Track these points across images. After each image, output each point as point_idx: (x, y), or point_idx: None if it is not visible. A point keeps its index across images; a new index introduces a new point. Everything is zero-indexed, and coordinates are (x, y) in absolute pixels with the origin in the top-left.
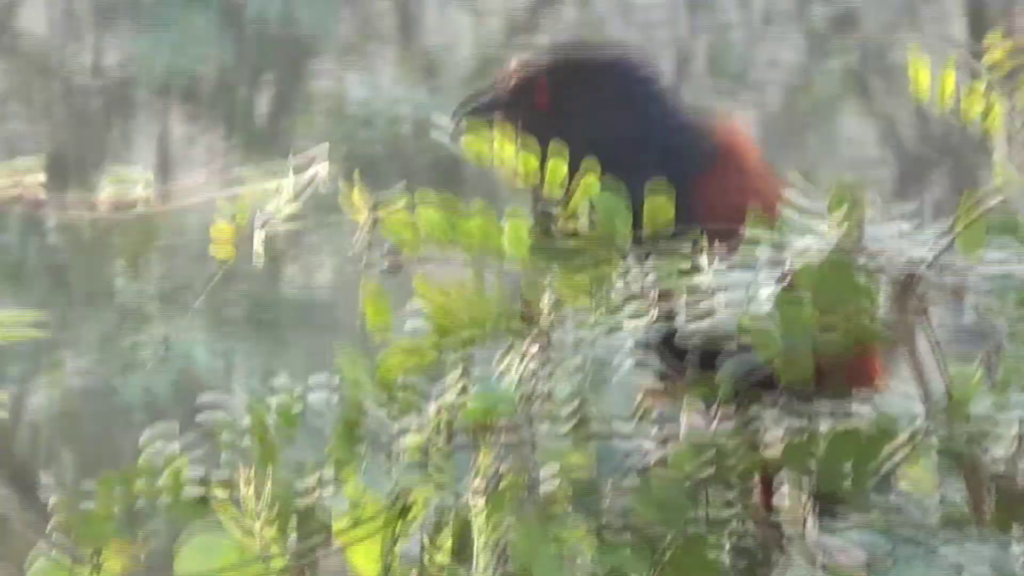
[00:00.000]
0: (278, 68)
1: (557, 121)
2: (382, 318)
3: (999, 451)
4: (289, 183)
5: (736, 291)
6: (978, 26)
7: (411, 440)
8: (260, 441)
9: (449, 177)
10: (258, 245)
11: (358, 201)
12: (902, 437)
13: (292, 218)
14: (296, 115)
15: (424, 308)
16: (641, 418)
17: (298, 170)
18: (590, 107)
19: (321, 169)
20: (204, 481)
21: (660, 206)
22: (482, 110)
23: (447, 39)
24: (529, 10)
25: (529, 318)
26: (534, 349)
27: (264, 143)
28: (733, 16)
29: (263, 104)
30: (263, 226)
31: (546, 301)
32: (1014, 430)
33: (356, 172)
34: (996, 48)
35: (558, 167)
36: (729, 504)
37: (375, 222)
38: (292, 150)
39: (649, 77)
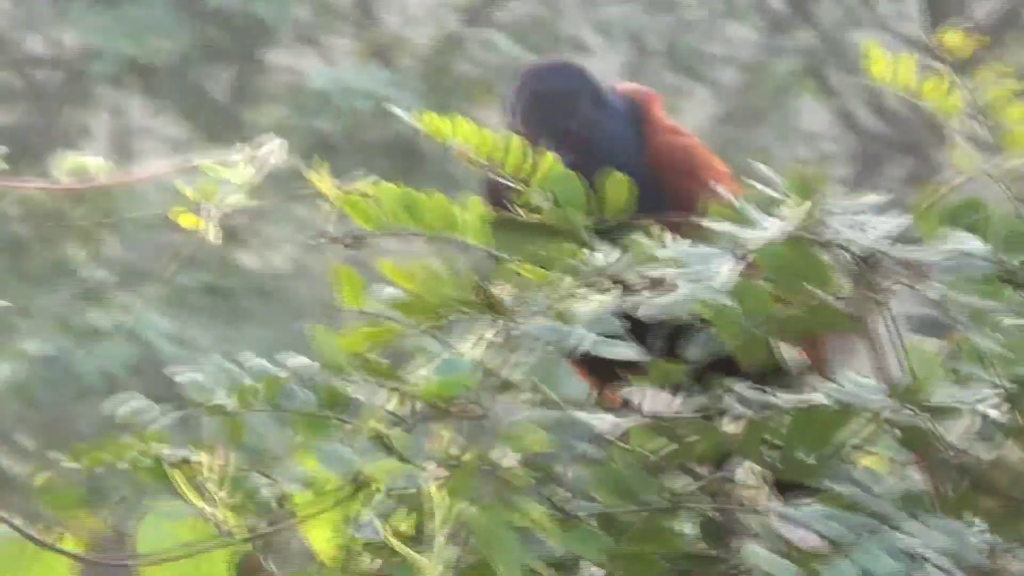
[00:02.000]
0: (235, 53)
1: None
2: (356, 297)
3: (959, 432)
4: (245, 161)
5: (696, 267)
6: (935, 16)
7: (372, 417)
8: (240, 407)
9: (407, 159)
10: (215, 220)
11: (321, 182)
12: (863, 418)
13: (250, 195)
14: (254, 100)
15: (393, 292)
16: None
17: (254, 150)
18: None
19: (277, 148)
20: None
21: (618, 191)
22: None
23: (405, 21)
24: None
25: (489, 301)
26: (494, 330)
27: (222, 128)
28: (692, 5)
29: (221, 89)
30: (220, 202)
31: (506, 284)
32: (973, 414)
33: (318, 155)
34: (955, 34)
35: (518, 148)
36: (690, 483)
37: (338, 202)
38: (249, 134)
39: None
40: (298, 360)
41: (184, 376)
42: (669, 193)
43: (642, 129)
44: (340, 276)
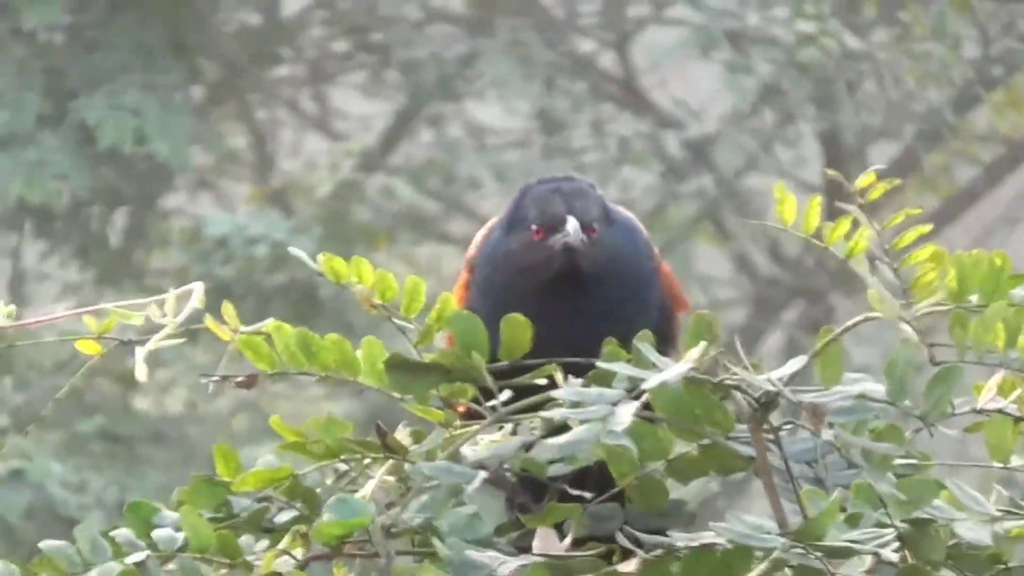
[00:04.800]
0: (132, 197)
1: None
2: (232, 471)
3: (853, 573)
4: (169, 306)
5: (593, 408)
6: (833, 161)
7: (267, 556)
8: None
9: (305, 306)
10: (140, 361)
11: (218, 327)
12: (757, 558)
13: (169, 338)
14: (151, 244)
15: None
16: (497, 537)
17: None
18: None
19: (197, 290)
20: None
21: (517, 333)
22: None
23: (303, 165)
24: (384, 134)
25: (385, 444)
26: (389, 471)
27: (117, 272)
28: (588, 143)
29: (116, 233)
30: (144, 344)
31: (402, 427)
32: (868, 555)
33: (216, 300)
34: (865, 177)
35: (417, 288)
36: None
37: (235, 345)
38: (144, 278)
39: None
40: (162, 533)
41: (48, 545)
42: (671, 319)
43: (650, 251)
44: (217, 452)
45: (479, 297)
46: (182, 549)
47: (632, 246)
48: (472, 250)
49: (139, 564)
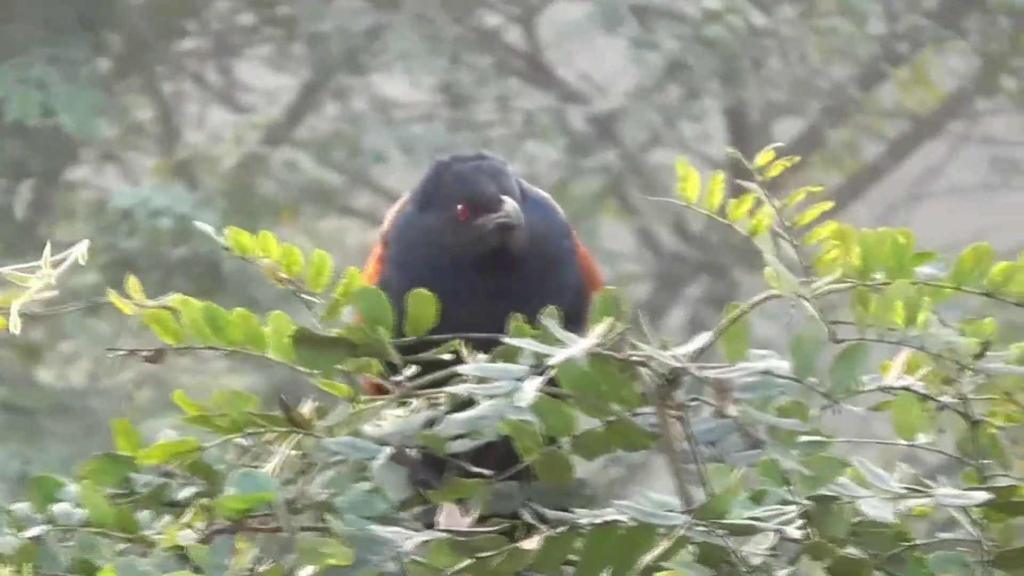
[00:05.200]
0: (37, 169)
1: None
2: (132, 447)
3: (756, 551)
4: (47, 267)
5: (498, 384)
6: (737, 137)
7: (169, 531)
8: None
9: (209, 280)
10: (15, 319)
11: (121, 301)
12: (661, 535)
13: (50, 303)
14: (55, 217)
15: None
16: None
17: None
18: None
19: (82, 249)
20: None
21: (423, 308)
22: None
23: (208, 138)
24: (289, 107)
25: (290, 418)
26: (294, 445)
27: (21, 244)
28: (491, 118)
29: (20, 205)
30: (19, 304)
31: (307, 402)
32: (772, 532)
33: (119, 273)
34: (766, 154)
35: (323, 262)
36: None
37: (142, 317)
38: (50, 243)
39: None
40: (61, 508)
41: None
42: (587, 299)
43: (568, 229)
44: (117, 427)
45: (395, 273)
46: (82, 525)
47: (550, 225)
48: (386, 225)
49: (36, 538)
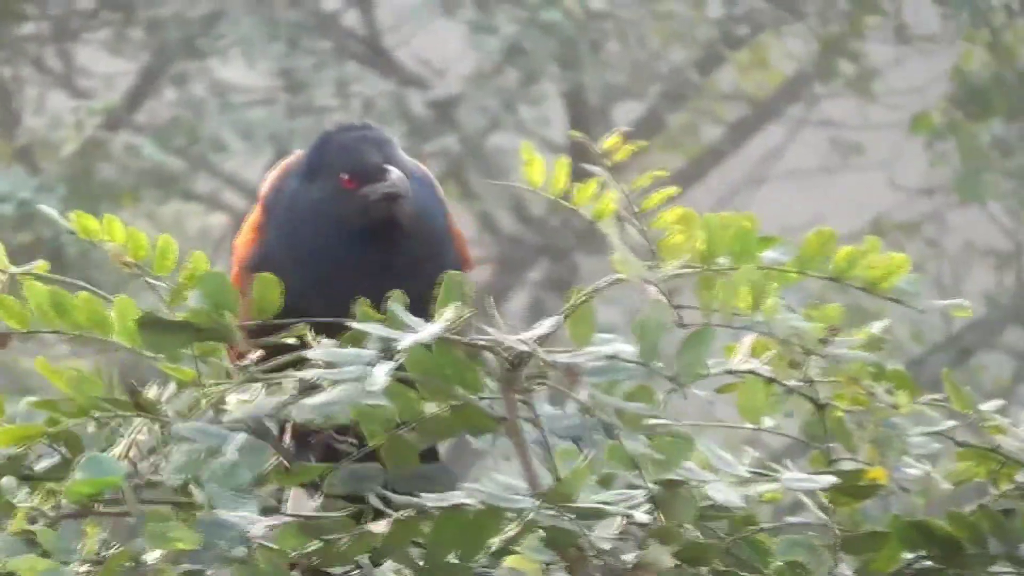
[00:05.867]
0: None
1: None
2: None
3: (605, 535)
4: None
5: (348, 369)
6: (576, 121)
7: (17, 515)
8: None
9: (50, 261)
10: None
11: None
12: (509, 519)
13: None
14: None
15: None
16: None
17: None
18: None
19: None
20: None
21: (268, 291)
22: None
23: (48, 123)
24: (129, 92)
25: (139, 402)
26: (142, 429)
27: None
28: (331, 103)
29: None
30: None
31: (156, 385)
32: (619, 516)
33: None
34: (612, 138)
35: (167, 246)
36: None
37: None
38: None
39: None
40: None
41: None
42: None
43: (445, 207)
44: None
45: (277, 242)
46: None
47: (431, 202)
48: (265, 189)
49: None
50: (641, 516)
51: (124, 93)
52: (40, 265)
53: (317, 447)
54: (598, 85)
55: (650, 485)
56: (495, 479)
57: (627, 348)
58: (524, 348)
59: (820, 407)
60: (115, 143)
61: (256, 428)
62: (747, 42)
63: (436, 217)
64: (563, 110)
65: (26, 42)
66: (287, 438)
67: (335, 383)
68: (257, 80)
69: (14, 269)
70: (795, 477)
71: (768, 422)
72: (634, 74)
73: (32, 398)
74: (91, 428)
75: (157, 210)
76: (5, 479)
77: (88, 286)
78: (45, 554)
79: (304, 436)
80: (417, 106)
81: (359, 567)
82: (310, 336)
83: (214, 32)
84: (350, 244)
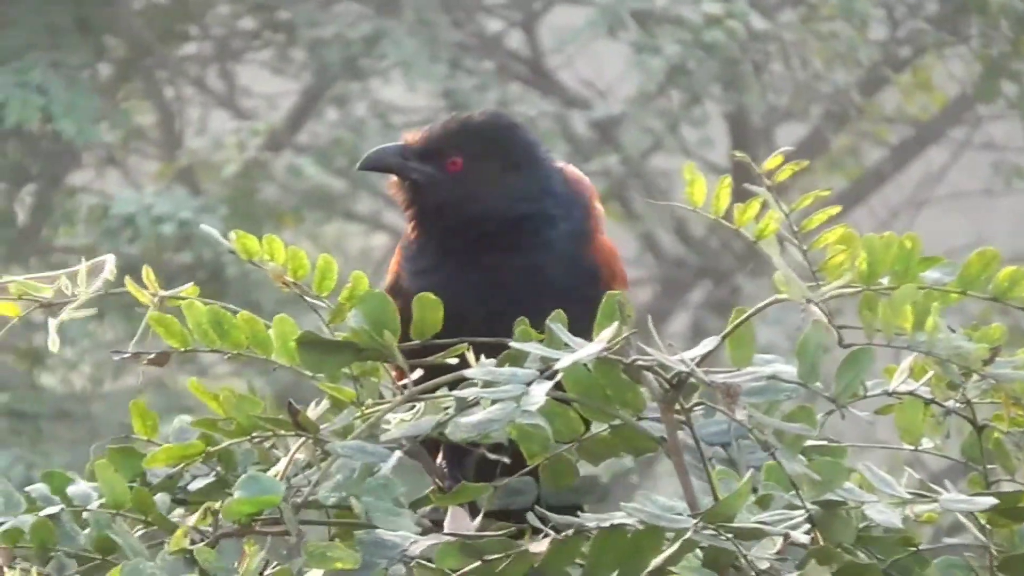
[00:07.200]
0: (39, 174)
1: (467, 185)
2: (149, 430)
3: (763, 555)
4: (82, 278)
5: (506, 388)
6: (739, 142)
7: (176, 534)
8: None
9: (212, 285)
10: (53, 331)
11: (140, 290)
12: (668, 538)
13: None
14: (57, 221)
15: (192, 418)
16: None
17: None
18: (499, 172)
19: (109, 263)
20: None
21: (429, 312)
22: (383, 162)
23: (210, 144)
24: (290, 113)
25: (298, 421)
26: (301, 448)
27: (24, 249)
28: None
29: (23, 210)
30: (57, 315)
31: (314, 404)
32: (779, 536)
33: (145, 269)
34: (773, 159)
35: (328, 266)
36: None
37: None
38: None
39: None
40: (79, 488)
41: None
42: (599, 288)
43: (585, 216)
44: (134, 410)
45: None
46: (99, 506)
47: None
48: None
49: (53, 517)
50: (800, 536)
51: (286, 113)
52: (189, 289)
53: (470, 466)
54: (760, 106)
55: (809, 505)
56: (653, 499)
57: (787, 368)
58: (683, 368)
59: (979, 428)
60: (277, 164)
61: (410, 447)
62: (910, 64)
63: (553, 222)
64: (725, 131)
65: (188, 63)
66: (440, 458)
67: (493, 402)
68: (418, 101)
69: (163, 293)
70: (953, 498)
71: (928, 443)
72: (796, 95)
73: (188, 416)
74: (245, 446)
75: (318, 231)
76: (159, 497)
77: (230, 306)
78: (203, 573)
79: (457, 455)
80: (579, 126)
81: None
82: (470, 355)
83: (376, 52)
84: (451, 260)
